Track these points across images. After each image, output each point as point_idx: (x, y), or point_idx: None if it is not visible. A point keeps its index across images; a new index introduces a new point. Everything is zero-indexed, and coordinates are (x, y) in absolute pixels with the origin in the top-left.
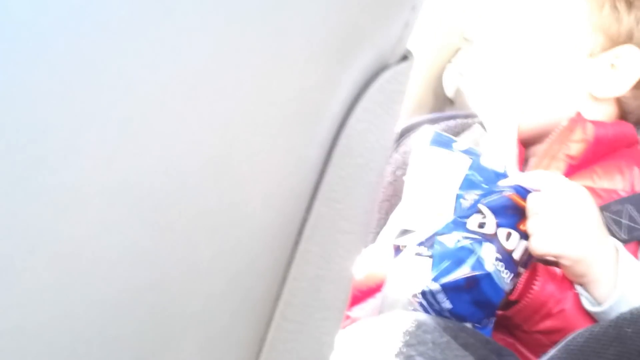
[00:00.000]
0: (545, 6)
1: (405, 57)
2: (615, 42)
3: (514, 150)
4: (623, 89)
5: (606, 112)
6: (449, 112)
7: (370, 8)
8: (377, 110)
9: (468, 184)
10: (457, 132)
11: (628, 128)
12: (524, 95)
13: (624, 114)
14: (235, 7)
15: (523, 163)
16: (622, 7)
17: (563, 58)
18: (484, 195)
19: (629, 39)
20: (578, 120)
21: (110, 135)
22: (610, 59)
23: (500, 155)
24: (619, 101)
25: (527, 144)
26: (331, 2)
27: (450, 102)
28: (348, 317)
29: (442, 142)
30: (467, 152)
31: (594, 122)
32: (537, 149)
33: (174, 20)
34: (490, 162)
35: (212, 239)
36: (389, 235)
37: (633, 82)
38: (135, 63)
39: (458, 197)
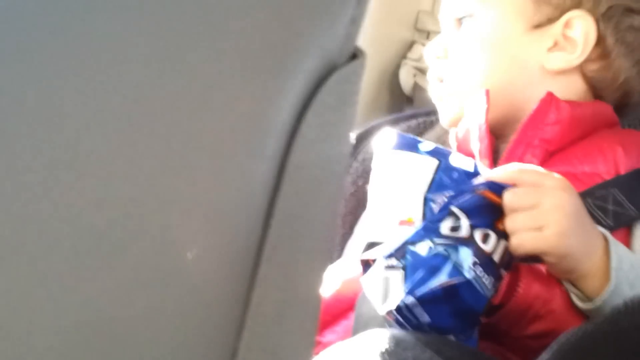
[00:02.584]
0: None
1: (354, 56)
2: (562, 9)
3: (484, 140)
4: (577, 59)
5: (573, 89)
6: (408, 112)
7: (309, 7)
8: (329, 115)
9: (437, 186)
10: (420, 132)
11: (606, 107)
12: (477, 81)
13: (597, 92)
14: (167, 25)
15: (494, 153)
16: None
17: (507, 34)
18: (455, 197)
19: (576, 4)
20: (550, 100)
21: (38, 178)
22: (559, 29)
23: (470, 147)
24: (586, 77)
25: (495, 133)
26: (263, 7)
27: (408, 100)
28: (320, 342)
29: (406, 144)
30: (435, 152)
31: (568, 102)
32: (508, 137)
33: (104, 40)
34: (460, 161)
35: (163, 272)
36: (355, 250)
37: (587, 50)
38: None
39: (427, 201)
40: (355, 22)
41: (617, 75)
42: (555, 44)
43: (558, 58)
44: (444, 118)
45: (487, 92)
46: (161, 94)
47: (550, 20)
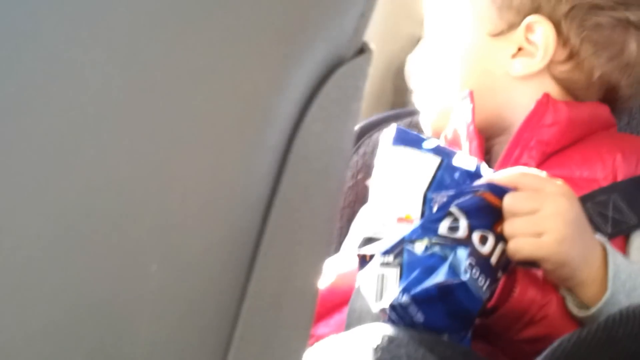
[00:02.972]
0: None
1: (362, 50)
2: (523, 14)
3: (473, 139)
4: (539, 63)
5: (544, 92)
6: (411, 107)
7: None
8: (334, 109)
9: (438, 185)
10: (419, 128)
11: (603, 109)
12: (449, 89)
13: (572, 92)
14: (174, 5)
15: (484, 155)
16: None
17: (470, 42)
18: (455, 196)
19: (535, 8)
20: (547, 102)
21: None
22: (521, 34)
23: (460, 147)
24: (557, 78)
25: (484, 135)
26: None
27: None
28: (313, 335)
29: (409, 140)
30: (438, 150)
31: (566, 103)
32: (501, 139)
33: (112, 22)
34: (463, 160)
35: (160, 259)
36: (352, 244)
37: (548, 54)
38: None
39: (427, 199)
40: (364, 16)
41: (590, 74)
42: (520, 50)
43: (521, 64)
44: (425, 126)
45: (471, 93)
46: (161, 74)
47: (512, 26)
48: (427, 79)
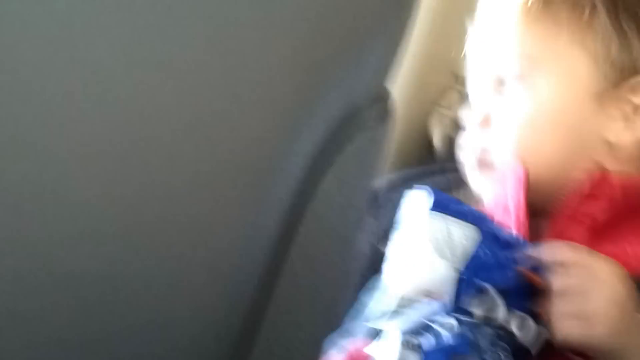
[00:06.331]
0: (538, 40)
1: (382, 99)
2: (629, 72)
3: (522, 223)
4: None
5: (632, 162)
6: (435, 165)
7: (334, 38)
8: (352, 171)
9: (472, 259)
10: (448, 190)
11: None
12: (527, 156)
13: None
14: (174, 45)
15: (532, 232)
16: (632, 33)
17: (565, 103)
18: (490, 272)
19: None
20: (601, 174)
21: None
22: (624, 95)
23: (499, 217)
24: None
25: (535, 208)
26: (289, 42)
27: (438, 153)
28: None
29: (442, 206)
30: (474, 219)
31: (619, 175)
32: (548, 211)
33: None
34: (500, 232)
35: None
36: (368, 317)
37: None
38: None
39: (459, 274)
40: (385, 62)
41: None
42: (622, 113)
43: (625, 130)
44: (487, 195)
45: (526, 173)
46: (166, 126)
47: (615, 86)
48: (498, 143)
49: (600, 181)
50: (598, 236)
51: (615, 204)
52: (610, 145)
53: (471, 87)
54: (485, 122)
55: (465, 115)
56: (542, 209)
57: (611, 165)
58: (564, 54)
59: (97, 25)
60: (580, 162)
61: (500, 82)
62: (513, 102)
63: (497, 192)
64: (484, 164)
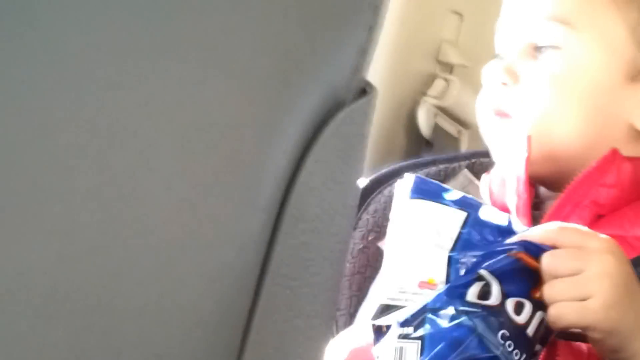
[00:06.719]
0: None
1: (364, 92)
2: None
3: (522, 195)
4: None
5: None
6: (427, 157)
7: (313, 32)
8: (334, 160)
9: (464, 244)
10: (440, 180)
11: None
12: (551, 127)
13: None
14: (153, 42)
15: (535, 210)
16: None
17: (601, 80)
18: (485, 257)
19: None
20: (613, 159)
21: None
22: None
23: (505, 201)
24: None
25: (544, 185)
26: (262, 29)
27: (427, 144)
28: None
29: (429, 192)
30: (463, 203)
31: (631, 160)
32: (553, 193)
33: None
34: (491, 214)
35: (141, 342)
36: (366, 315)
37: None
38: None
39: (452, 260)
40: (365, 52)
41: None
42: None
43: None
44: (501, 146)
45: (529, 139)
46: (144, 129)
47: None
48: (526, 106)
49: (613, 169)
50: (600, 221)
51: (622, 193)
52: (633, 134)
53: (502, 49)
54: (513, 79)
55: (489, 72)
56: (553, 188)
57: (628, 154)
58: (601, 20)
59: None
60: (599, 146)
61: (535, 48)
62: (547, 67)
63: (496, 167)
64: (501, 114)
